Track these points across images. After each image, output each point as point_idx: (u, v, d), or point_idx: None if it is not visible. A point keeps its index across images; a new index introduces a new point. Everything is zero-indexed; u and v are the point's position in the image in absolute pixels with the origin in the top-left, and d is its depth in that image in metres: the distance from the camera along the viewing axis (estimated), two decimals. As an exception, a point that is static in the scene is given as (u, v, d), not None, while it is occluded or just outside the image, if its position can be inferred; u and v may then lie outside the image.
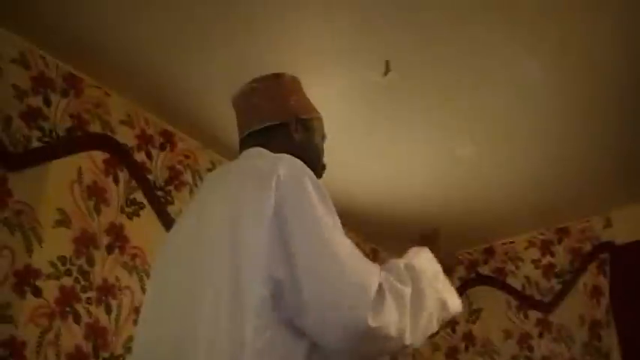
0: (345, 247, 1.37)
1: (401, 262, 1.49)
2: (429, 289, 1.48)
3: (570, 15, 2.58)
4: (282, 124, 1.70)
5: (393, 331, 1.32)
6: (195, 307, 1.37)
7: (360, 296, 1.29)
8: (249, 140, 1.70)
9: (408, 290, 1.40)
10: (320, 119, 1.80)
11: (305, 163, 1.51)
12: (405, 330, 1.36)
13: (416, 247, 1.64)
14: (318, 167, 1.73)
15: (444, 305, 1.54)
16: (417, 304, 1.42)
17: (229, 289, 1.33)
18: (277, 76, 1.78)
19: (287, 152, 1.54)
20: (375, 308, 1.29)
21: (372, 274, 1.35)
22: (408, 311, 1.37)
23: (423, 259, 1.57)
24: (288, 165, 1.45)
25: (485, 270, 4.55)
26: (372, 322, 1.27)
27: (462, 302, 4.75)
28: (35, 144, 2.63)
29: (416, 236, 1.70)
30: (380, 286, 1.33)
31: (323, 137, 1.80)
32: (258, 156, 1.59)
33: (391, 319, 1.32)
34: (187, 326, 1.37)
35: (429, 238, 1.70)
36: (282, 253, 1.32)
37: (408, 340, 1.37)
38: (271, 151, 1.61)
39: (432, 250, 1.64)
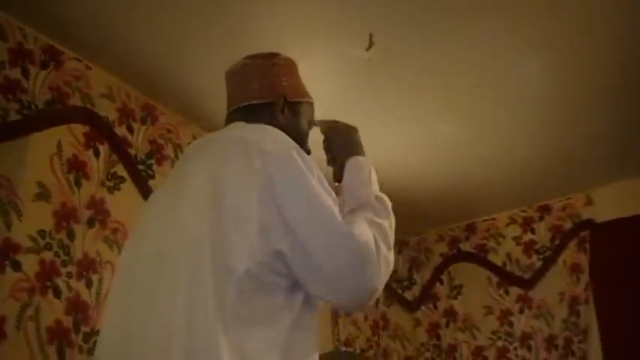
0: (338, 213, 1.41)
1: (372, 196, 1.59)
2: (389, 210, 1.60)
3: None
4: (269, 104, 1.70)
5: (386, 278, 1.44)
6: (171, 271, 1.35)
7: (366, 260, 1.37)
8: (234, 115, 1.70)
9: (386, 223, 1.52)
10: (310, 104, 1.81)
11: None
12: (391, 266, 1.47)
13: (353, 159, 1.72)
14: None
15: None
16: (392, 232, 1.54)
17: (212, 257, 1.31)
18: (272, 56, 1.77)
19: None
20: (378, 266, 1.40)
21: (367, 232, 1.42)
22: (392, 245, 1.49)
23: (374, 179, 1.69)
24: (273, 138, 1.46)
25: (466, 246, 4.59)
26: (378, 284, 1.40)
27: (443, 279, 4.80)
28: (13, 117, 2.59)
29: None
30: (375, 238, 1.42)
31: (310, 123, 1.80)
32: (242, 128, 1.58)
33: (386, 270, 1.43)
34: (161, 293, 1.35)
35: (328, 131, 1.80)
36: (279, 227, 1.34)
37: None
38: None
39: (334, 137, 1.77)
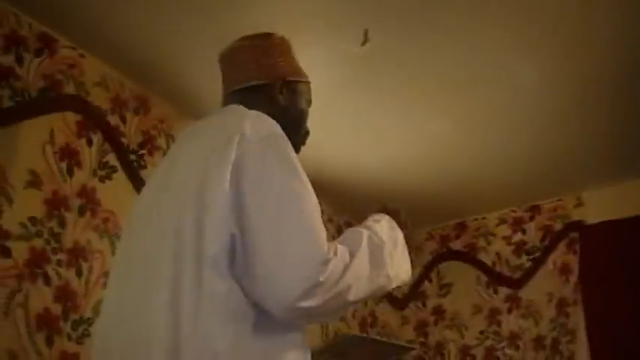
0: (298, 211, 1.35)
1: (364, 229, 1.48)
2: (386, 255, 1.47)
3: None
4: (268, 85, 1.67)
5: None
6: (158, 264, 1.35)
7: (308, 265, 1.28)
8: (232, 98, 1.67)
9: (363, 251, 1.40)
10: (307, 84, 1.78)
11: (287, 127, 1.49)
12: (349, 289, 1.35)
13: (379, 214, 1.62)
14: (300, 132, 1.72)
15: (397, 275, 1.51)
16: (374, 265, 1.42)
17: (193, 242, 1.31)
18: (267, 36, 1.75)
19: (269, 114, 1.51)
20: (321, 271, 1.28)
21: (320, 240, 1.32)
22: (358, 270, 1.37)
23: (386, 226, 1.56)
24: (254, 122, 1.44)
25: (456, 245, 4.59)
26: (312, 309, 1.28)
27: (433, 277, 4.79)
28: (6, 103, 2.58)
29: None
30: (329, 250, 1.32)
31: (309, 102, 1.77)
32: (232, 113, 1.56)
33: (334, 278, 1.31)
34: (148, 286, 1.35)
35: (389, 214, 1.66)
36: (237, 210, 1.32)
37: (351, 297, 1.36)
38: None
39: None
